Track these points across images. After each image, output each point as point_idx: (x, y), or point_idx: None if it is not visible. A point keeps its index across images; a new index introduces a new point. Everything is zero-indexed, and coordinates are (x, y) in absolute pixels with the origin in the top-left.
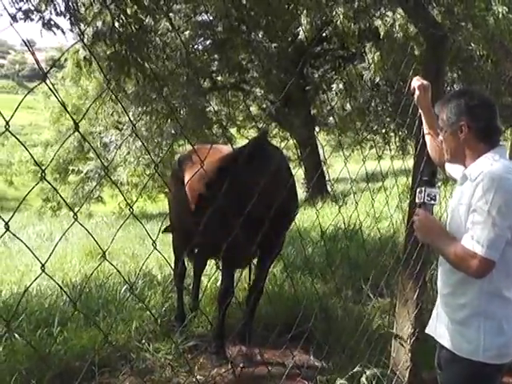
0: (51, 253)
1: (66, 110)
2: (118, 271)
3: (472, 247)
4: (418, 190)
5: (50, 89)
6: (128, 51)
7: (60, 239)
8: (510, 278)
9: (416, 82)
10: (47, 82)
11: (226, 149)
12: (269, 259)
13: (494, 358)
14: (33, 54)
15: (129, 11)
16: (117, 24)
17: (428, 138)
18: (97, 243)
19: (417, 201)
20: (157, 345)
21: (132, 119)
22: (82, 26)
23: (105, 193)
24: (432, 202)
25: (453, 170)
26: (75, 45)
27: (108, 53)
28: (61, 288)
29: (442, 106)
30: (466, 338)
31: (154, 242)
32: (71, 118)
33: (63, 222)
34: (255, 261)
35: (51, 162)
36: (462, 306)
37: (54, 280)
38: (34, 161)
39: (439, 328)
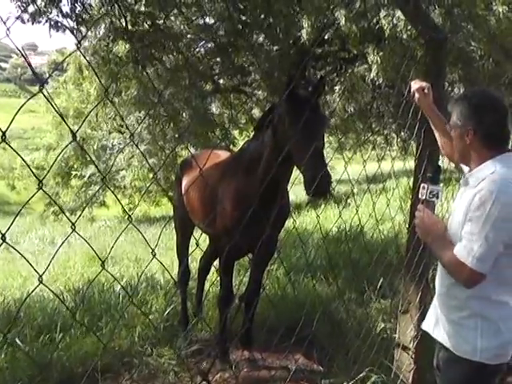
0: (49, 263)
1: (62, 119)
2: (116, 279)
3: (463, 257)
4: (422, 185)
5: (48, 99)
6: (140, 50)
7: (58, 249)
8: (502, 287)
9: (415, 85)
10: (44, 91)
11: (225, 154)
12: (264, 261)
13: (492, 358)
14: (29, 65)
15: (141, 8)
16: (127, 24)
17: (438, 136)
18: (95, 252)
19: (419, 196)
20: (160, 350)
21: (134, 123)
22: (84, 30)
23: (108, 197)
24: (434, 199)
25: None
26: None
27: (111, 56)
28: (59, 298)
29: (454, 105)
30: (464, 338)
31: (152, 250)
32: (68, 127)
33: (66, 227)
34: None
35: (51, 167)
36: (457, 308)
37: (51, 291)
38: (31, 170)
39: (437, 326)
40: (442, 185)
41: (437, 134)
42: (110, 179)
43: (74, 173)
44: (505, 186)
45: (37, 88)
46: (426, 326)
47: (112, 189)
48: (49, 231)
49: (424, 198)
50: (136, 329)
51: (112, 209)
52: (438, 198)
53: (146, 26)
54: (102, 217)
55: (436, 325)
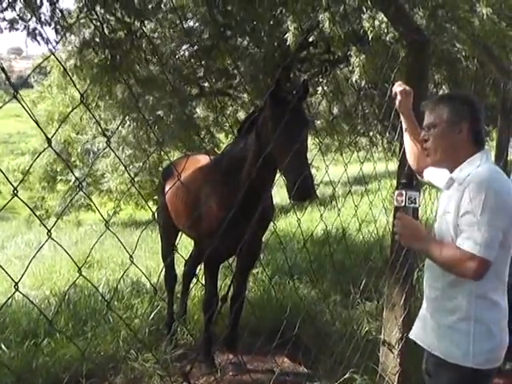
0: (24, 271)
1: (37, 123)
2: (95, 287)
3: (469, 249)
4: (397, 193)
5: (22, 104)
6: (117, 57)
7: (34, 256)
8: (499, 280)
9: (398, 87)
10: (18, 97)
11: (204, 158)
12: (248, 263)
13: (484, 363)
14: (6, 75)
15: (116, 16)
16: (105, 30)
17: (407, 143)
18: (71, 258)
19: (396, 204)
20: (145, 354)
21: (118, 126)
22: (67, 35)
23: (94, 201)
24: (412, 205)
25: (433, 176)
26: (61, 54)
27: (94, 61)
28: (36, 307)
29: (439, 104)
30: (456, 343)
31: (131, 256)
32: (44, 133)
33: (52, 231)
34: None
35: (28, 173)
36: (451, 311)
37: (28, 299)
38: (4, 175)
39: (427, 334)
40: (419, 190)
41: (407, 140)
42: (96, 183)
43: (59, 177)
44: (493, 174)
45: (23, 93)
46: (414, 335)
47: (98, 193)
48: (35, 236)
49: (403, 204)
50: (121, 333)
51: (98, 213)
52: (416, 203)
53: (123, 34)
54: (88, 221)
55: (425, 332)
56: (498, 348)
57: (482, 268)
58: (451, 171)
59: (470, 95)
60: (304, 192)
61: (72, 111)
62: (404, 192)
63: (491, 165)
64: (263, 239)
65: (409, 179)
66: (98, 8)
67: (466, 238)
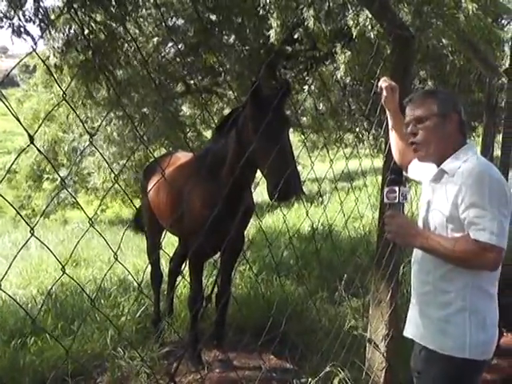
0: (7, 270)
1: (20, 123)
2: (80, 285)
3: (487, 240)
4: (388, 189)
5: (6, 105)
6: (98, 58)
7: (16, 256)
8: (494, 272)
9: (384, 82)
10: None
11: (185, 156)
12: (232, 259)
13: (479, 354)
14: None
15: (98, 18)
16: (86, 31)
17: (393, 139)
18: (55, 256)
19: (387, 201)
20: (132, 352)
21: (100, 124)
22: (52, 32)
23: (80, 199)
24: (404, 201)
25: (417, 170)
26: (45, 52)
27: (78, 60)
28: (21, 306)
29: (427, 98)
30: (451, 335)
31: (115, 253)
32: (26, 131)
33: (39, 229)
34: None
35: (8, 171)
36: (445, 304)
37: (12, 298)
38: None
39: (420, 329)
40: (408, 185)
41: (393, 136)
42: (82, 181)
43: (45, 176)
44: (489, 165)
45: (9, 91)
46: (409, 333)
47: (84, 191)
48: (21, 235)
49: (396, 201)
50: (107, 332)
51: (86, 210)
52: (406, 199)
53: (104, 33)
54: (75, 219)
55: (418, 328)
56: (491, 340)
57: (500, 257)
58: (439, 164)
59: (449, 91)
60: (285, 194)
61: (53, 109)
62: (397, 188)
63: (481, 157)
64: (250, 237)
65: (399, 175)
66: (77, 6)
67: (481, 229)
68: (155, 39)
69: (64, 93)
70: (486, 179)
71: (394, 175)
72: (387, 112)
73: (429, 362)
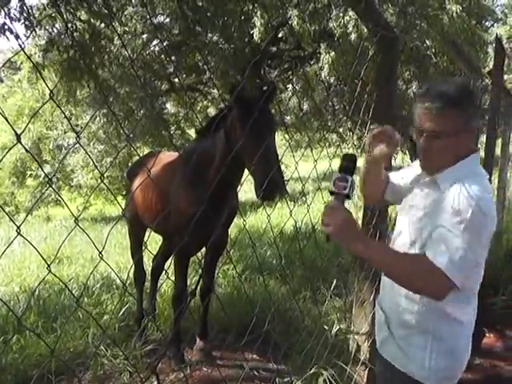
0: None
1: (6, 119)
2: (64, 283)
3: (442, 266)
4: (339, 176)
5: None
6: (81, 57)
7: (2, 254)
8: (467, 297)
9: (377, 145)
10: None
11: (168, 156)
12: (216, 256)
13: (439, 380)
14: None
15: (83, 17)
16: (70, 29)
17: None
18: (40, 255)
19: (332, 189)
20: (115, 350)
21: (88, 122)
22: (37, 30)
23: (63, 196)
24: (351, 194)
25: (400, 178)
26: (30, 49)
27: (62, 58)
28: (5, 304)
29: (448, 108)
30: (411, 357)
31: (100, 252)
32: (13, 129)
33: (21, 226)
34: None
35: None
36: (409, 324)
37: None
38: None
39: (383, 343)
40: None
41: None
42: (66, 178)
43: (29, 172)
44: (483, 190)
45: None
46: (377, 340)
47: (68, 188)
48: (4, 232)
49: (345, 192)
50: (90, 330)
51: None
52: (353, 193)
53: (87, 34)
54: (57, 216)
55: (382, 343)
56: (455, 366)
57: (446, 290)
58: (433, 173)
59: (467, 85)
60: (271, 192)
61: (41, 108)
62: (350, 178)
63: (482, 173)
64: (233, 236)
65: (354, 164)
66: (60, 3)
67: (442, 252)
68: (141, 37)
69: (51, 92)
70: (472, 207)
71: (350, 163)
72: (366, 166)
73: (392, 375)
